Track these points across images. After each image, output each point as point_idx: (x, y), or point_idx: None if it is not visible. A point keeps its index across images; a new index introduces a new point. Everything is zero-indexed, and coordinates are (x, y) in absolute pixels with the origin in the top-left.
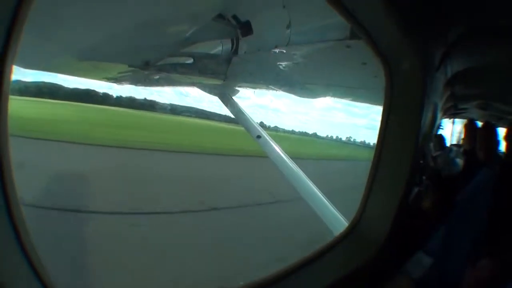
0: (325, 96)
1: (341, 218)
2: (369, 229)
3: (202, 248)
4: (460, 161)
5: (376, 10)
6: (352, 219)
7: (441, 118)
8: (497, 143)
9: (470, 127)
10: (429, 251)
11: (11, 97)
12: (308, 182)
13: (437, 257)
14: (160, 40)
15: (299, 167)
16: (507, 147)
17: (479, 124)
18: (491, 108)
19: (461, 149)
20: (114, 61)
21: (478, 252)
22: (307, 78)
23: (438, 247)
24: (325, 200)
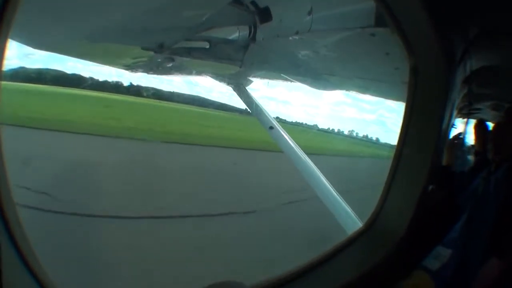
0: (341, 89)
1: (351, 212)
2: (387, 226)
3: None
4: (471, 158)
5: None
6: (370, 216)
7: (456, 117)
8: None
9: (480, 128)
10: (448, 243)
11: None
12: (319, 174)
13: (455, 248)
14: (175, 23)
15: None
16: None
17: (490, 125)
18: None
19: (473, 150)
20: (127, 43)
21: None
22: (326, 68)
23: (456, 239)
24: (335, 193)
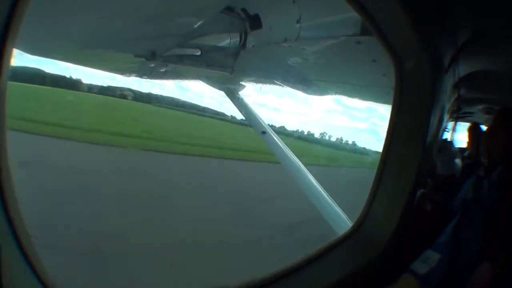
0: (332, 93)
1: (344, 217)
2: (373, 229)
3: None
4: (459, 162)
5: (389, 6)
6: (357, 218)
7: (447, 121)
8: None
9: (474, 131)
10: (437, 248)
11: None
12: (311, 179)
13: (444, 253)
14: (168, 30)
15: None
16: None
17: (484, 128)
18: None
19: (466, 153)
20: (120, 50)
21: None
22: (315, 74)
23: (446, 243)
24: (328, 198)
